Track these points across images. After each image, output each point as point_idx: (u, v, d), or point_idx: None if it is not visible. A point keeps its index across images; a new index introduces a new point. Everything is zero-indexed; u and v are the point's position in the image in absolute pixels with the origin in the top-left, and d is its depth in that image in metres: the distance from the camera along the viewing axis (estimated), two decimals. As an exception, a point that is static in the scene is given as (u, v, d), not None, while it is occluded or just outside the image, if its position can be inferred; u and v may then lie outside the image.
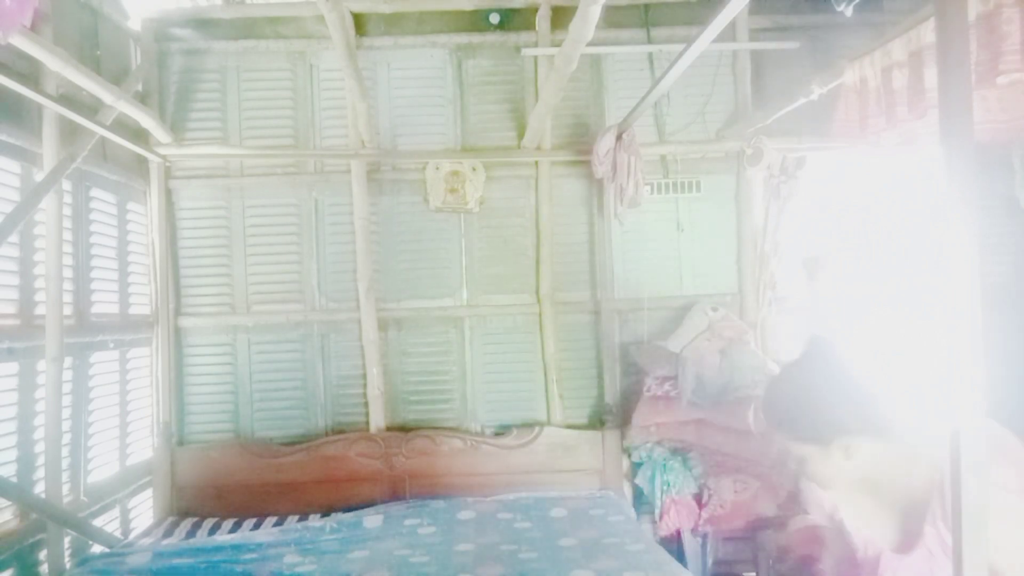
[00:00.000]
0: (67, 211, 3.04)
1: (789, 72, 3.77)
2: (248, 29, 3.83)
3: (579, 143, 3.84)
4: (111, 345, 3.37)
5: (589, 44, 2.50)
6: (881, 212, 3.81)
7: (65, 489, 2.95)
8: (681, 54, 2.32)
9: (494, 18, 3.82)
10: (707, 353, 3.51)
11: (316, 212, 3.86)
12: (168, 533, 3.30)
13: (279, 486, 3.63)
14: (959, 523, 1.07)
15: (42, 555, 2.81)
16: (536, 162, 3.85)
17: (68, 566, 2.89)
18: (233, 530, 3.30)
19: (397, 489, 3.65)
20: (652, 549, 2.87)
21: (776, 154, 3.66)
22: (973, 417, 1.11)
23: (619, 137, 3.38)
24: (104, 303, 3.35)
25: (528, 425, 3.80)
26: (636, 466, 3.68)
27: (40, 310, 2.87)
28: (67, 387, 3.00)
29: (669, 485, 3.48)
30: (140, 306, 3.68)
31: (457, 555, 2.86)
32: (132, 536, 3.32)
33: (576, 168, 3.88)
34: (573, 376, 3.88)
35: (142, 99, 3.67)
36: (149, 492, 3.64)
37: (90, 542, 3.05)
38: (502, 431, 3.84)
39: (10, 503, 2.67)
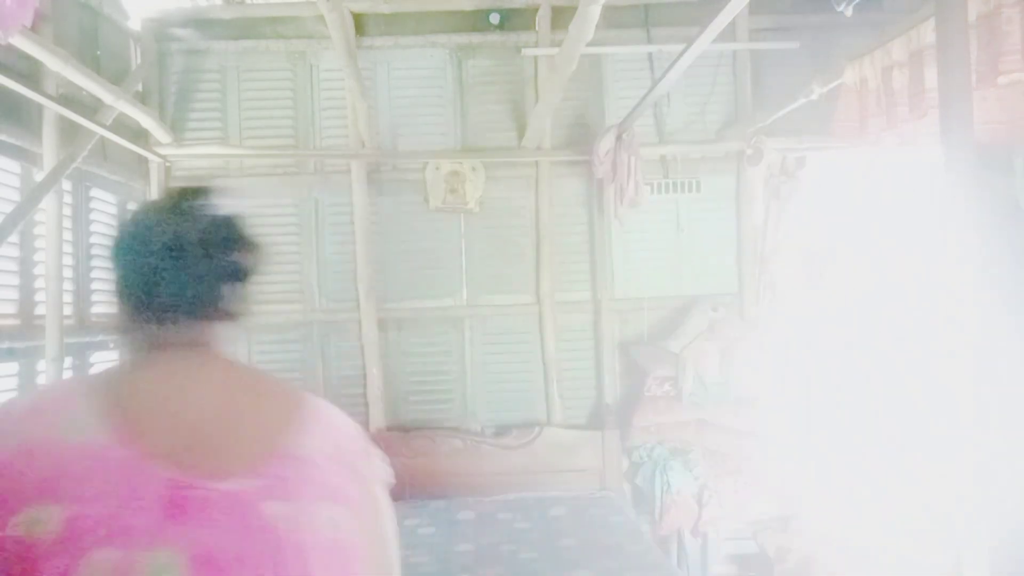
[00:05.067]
0: (67, 211, 3.04)
1: (789, 72, 3.77)
2: (248, 29, 3.82)
3: (579, 143, 3.83)
4: (111, 345, 3.36)
5: (589, 44, 2.50)
6: (881, 212, 3.81)
7: (65, 489, 2.94)
8: (681, 54, 2.32)
9: (494, 18, 3.82)
10: (707, 353, 3.52)
11: (316, 212, 3.86)
12: (168, 533, 3.29)
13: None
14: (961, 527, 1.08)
15: (42, 555, 2.81)
16: (536, 162, 3.85)
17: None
18: (233, 530, 3.30)
19: (396, 489, 3.62)
20: (652, 550, 2.87)
21: (776, 154, 3.66)
22: (975, 418, 1.11)
23: (619, 137, 3.38)
24: (104, 303, 3.35)
25: (528, 425, 3.80)
26: (636, 466, 3.68)
27: (40, 310, 2.87)
28: (67, 387, 2.99)
29: (669, 485, 3.49)
30: (140, 306, 3.67)
31: (457, 555, 2.86)
32: (132, 536, 3.31)
33: (576, 168, 3.87)
34: (573, 376, 3.88)
35: (142, 99, 3.67)
36: (149, 492, 3.63)
37: (90, 542, 3.04)
38: (502, 431, 3.84)
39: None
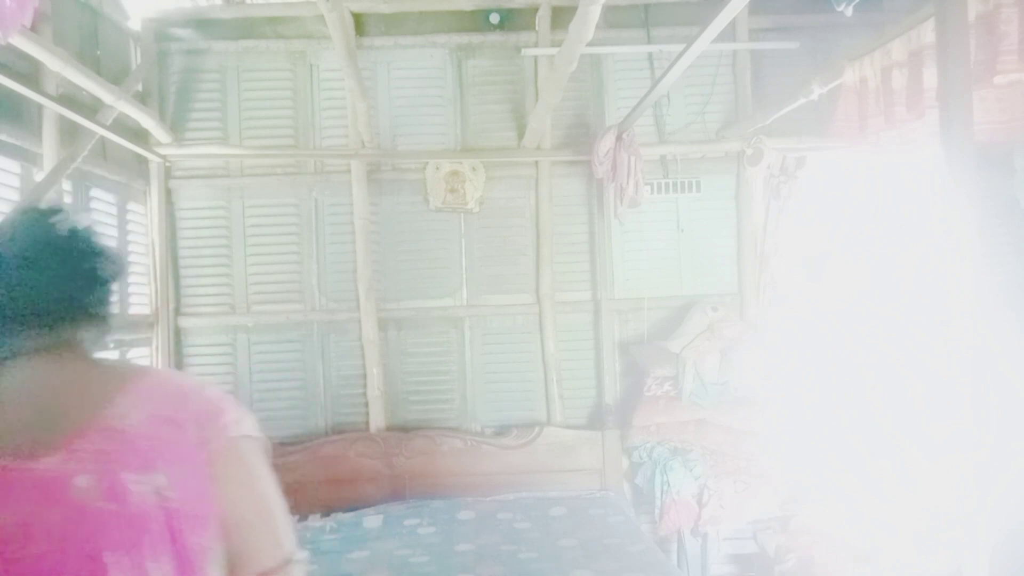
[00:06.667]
0: (67, 211, 3.04)
1: (789, 72, 3.77)
2: (248, 29, 3.82)
3: (579, 143, 3.83)
4: (111, 345, 3.36)
5: (589, 44, 2.50)
6: (881, 212, 3.81)
7: (65, 489, 2.95)
8: (681, 54, 2.32)
9: (494, 18, 3.81)
10: (707, 353, 3.52)
11: (316, 212, 3.86)
12: (168, 533, 3.29)
13: (279, 486, 3.62)
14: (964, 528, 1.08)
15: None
16: (536, 162, 3.85)
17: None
18: (233, 530, 3.30)
19: (397, 489, 3.65)
20: (652, 550, 2.87)
21: (776, 154, 3.66)
22: (975, 418, 1.11)
23: (619, 137, 3.38)
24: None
25: (528, 425, 3.80)
26: (636, 466, 3.68)
27: (40, 310, 2.86)
28: (67, 387, 2.99)
29: (669, 485, 3.49)
30: (140, 306, 3.67)
31: (457, 555, 2.87)
32: (132, 536, 3.31)
33: (576, 168, 3.87)
34: (573, 376, 3.88)
35: (142, 99, 3.67)
36: (149, 492, 3.63)
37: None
38: (502, 431, 3.84)
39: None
